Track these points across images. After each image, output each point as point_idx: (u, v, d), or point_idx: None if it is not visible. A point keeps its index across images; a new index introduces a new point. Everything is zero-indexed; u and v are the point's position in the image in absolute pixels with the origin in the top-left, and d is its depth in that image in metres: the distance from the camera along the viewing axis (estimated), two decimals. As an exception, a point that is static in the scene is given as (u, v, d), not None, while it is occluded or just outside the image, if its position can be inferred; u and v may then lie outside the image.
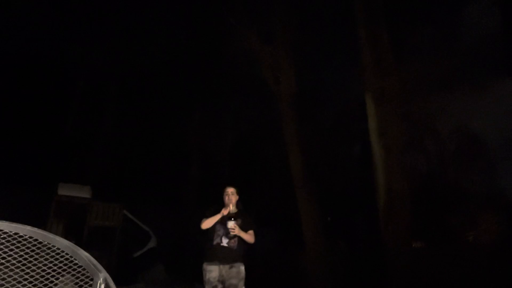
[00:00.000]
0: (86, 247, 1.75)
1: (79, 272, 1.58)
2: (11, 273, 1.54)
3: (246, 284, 3.92)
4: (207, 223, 3.88)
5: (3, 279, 1.53)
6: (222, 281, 3.79)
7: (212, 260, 3.83)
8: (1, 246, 1.55)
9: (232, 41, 10.60)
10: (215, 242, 3.86)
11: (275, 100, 9.75)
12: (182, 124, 13.59)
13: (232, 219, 3.79)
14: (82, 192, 8.81)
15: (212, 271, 3.79)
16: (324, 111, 12.32)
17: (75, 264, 1.60)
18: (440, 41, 9.38)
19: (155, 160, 13.38)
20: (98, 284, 1.52)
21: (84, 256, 1.60)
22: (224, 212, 3.86)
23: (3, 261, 1.55)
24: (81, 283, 1.56)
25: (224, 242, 3.85)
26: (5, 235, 1.57)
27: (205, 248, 3.96)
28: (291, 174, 9.15)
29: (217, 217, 3.86)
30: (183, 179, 13.81)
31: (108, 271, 1.57)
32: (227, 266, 3.80)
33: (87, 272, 1.57)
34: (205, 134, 13.66)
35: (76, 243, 1.66)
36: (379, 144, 7.60)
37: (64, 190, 8.64)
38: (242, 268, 3.88)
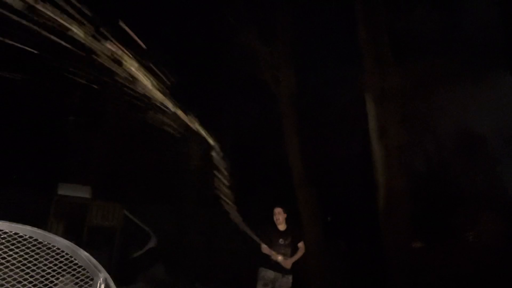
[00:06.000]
0: (86, 247, 1.74)
1: (79, 272, 1.58)
2: (11, 273, 1.54)
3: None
4: (266, 251, 4.83)
5: (3, 279, 1.53)
6: (273, 283, 4.81)
7: (270, 268, 4.83)
8: (1, 246, 1.55)
9: (232, 41, 10.58)
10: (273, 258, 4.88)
11: (275, 100, 9.74)
12: (181, 123, 13.56)
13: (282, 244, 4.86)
14: (82, 192, 8.81)
15: (268, 272, 4.82)
16: (324, 111, 12.30)
17: (75, 264, 1.60)
18: (440, 40, 9.37)
19: (155, 159, 13.35)
20: (98, 284, 1.52)
21: (84, 256, 1.60)
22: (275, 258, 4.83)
23: (3, 261, 1.55)
24: (81, 283, 1.56)
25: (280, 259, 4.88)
26: (5, 235, 1.57)
27: (262, 253, 4.83)
28: (291, 174, 9.14)
29: (272, 254, 4.81)
30: (183, 179, 13.78)
31: (108, 271, 1.57)
32: (280, 275, 4.85)
33: (87, 272, 1.57)
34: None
35: (76, 243, 1.66)
36: (379, 144, 7.59)
37: (64, 190, 8.65)
38: (290, 277, 4.93)
